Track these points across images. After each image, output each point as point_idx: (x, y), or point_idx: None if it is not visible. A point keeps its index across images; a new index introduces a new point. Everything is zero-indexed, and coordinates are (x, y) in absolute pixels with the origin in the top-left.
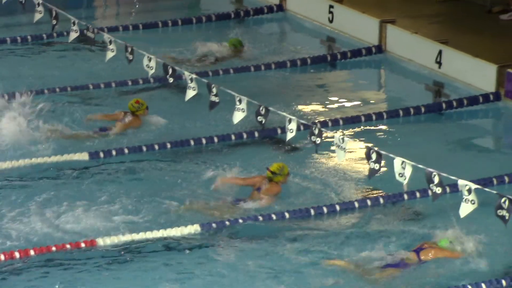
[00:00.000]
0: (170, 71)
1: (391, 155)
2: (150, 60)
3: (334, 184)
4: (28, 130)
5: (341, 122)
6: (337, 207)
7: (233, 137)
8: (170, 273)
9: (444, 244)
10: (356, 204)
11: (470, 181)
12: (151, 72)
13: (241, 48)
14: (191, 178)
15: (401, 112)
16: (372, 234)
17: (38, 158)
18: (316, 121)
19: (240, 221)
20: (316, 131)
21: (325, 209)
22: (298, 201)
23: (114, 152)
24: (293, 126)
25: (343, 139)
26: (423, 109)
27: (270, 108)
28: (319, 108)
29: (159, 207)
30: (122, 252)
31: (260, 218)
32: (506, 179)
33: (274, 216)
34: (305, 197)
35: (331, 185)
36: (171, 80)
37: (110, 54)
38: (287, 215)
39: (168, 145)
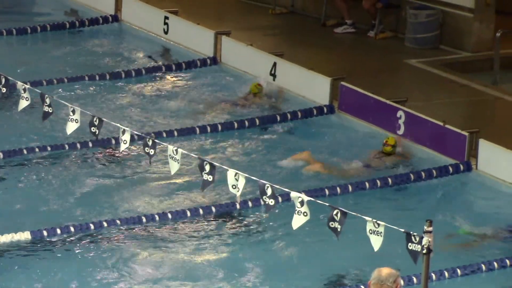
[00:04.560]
0: (3, 80)
1: (225, 167)
2: None
3: (168, 193)
4: None
5: (175, 133)
6: (169, 215)
7: (66, 146)
8: None
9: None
10: (188, 213)
11: (303, 192)
12: None
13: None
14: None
15: (235, 124)
16: None
17: None
18: (150, 132)
19: (72, 229)
20: (150, 142)
21: (157, 217)
22: (129, 209)
23: None
24: (126, 137)
25: (176, 150)
26: (257, 121)
27: (104, 119)
28: (154, 119)
29: None
30: None
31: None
32: (338, 190)
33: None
34: (133, 205)
35: (164, 195)
36: (3, 90)
37: None
38: (118, 222)
39: (1, 155)
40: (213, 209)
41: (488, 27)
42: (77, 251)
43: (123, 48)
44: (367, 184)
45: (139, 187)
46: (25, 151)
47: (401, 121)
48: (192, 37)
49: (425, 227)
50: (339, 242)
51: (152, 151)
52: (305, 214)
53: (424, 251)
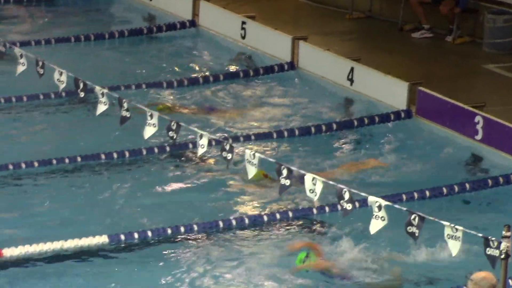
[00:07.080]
0: (81, 85)
1: (302, 172)
2: (61, 74)
3: (243, 198)
4: None
5: (252, 138)
6: (246, 220)
7: (144, 151)
8: None
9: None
10: (266, 218)
11: (380, 197)
12: (62, 86)
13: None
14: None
15: (312, 129)
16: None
17: None
18: (228, 136)
19: (149, 233)
20: (228, 147)
21: (234, 222)
22: (208, 215)
23: None
24: (204, 141)
25: (254, 155)
26: (335, 126)
27: (181, 124)
28: (231, 124)
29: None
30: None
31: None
32: (416, 195)
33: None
34: (209, 210)
35: (240, 199)
36: (82, 94)
37: (20, 68)
38: (195, 227)
39: (79, 159)
40: (290, 214)
41: None
42: (154, 255)
43: (200, 53)
44: (444, 190)
45: (215, 192)
46: (103, 156)
47: (479, 126)
48: (270, 42)
49: (504, 232)
50: (414, 246)
51: (229, 156)
52: (382, 219)
53: (503, 256)
